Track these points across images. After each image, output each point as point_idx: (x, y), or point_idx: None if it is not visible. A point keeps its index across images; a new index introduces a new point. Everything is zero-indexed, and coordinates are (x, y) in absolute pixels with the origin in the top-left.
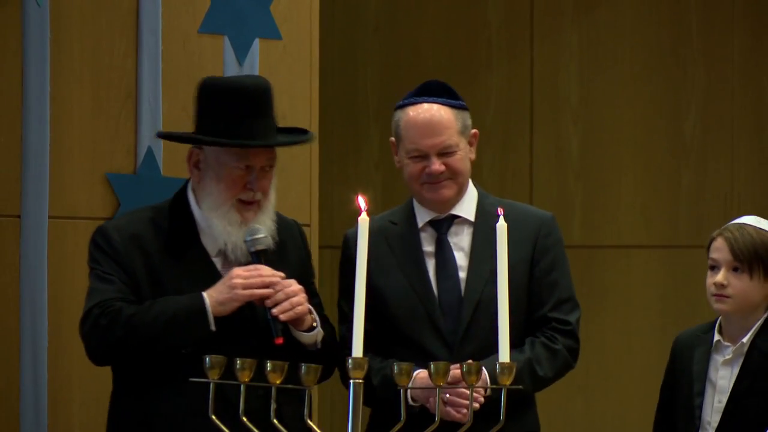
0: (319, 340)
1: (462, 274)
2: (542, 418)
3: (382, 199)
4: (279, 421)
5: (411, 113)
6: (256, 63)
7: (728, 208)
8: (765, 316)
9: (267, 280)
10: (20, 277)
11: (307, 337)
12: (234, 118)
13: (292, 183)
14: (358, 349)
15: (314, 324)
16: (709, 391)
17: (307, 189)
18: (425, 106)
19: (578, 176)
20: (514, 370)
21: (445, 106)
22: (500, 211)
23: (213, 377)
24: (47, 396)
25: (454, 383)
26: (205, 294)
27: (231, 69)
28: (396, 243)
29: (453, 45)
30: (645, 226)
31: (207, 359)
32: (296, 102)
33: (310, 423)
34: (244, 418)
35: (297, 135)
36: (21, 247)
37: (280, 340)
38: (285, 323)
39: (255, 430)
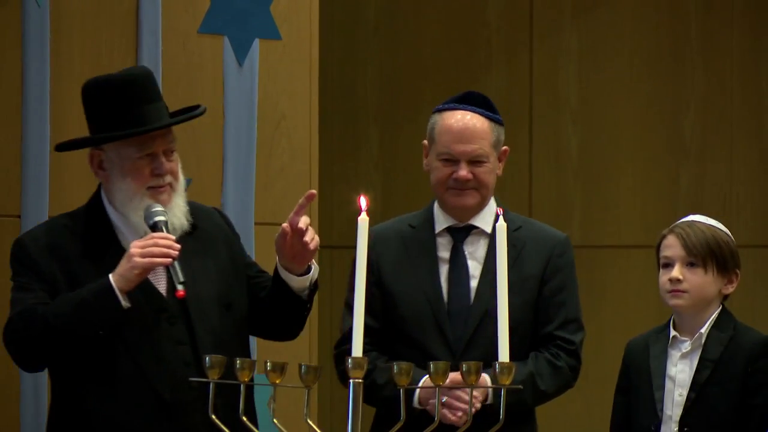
0: (313, 280)
1: (473, 283)
2: (541, 420)
3: (382, 199)
4: (214, 415)
5: (448, 118)
6: (255, 63)
7: (727, 208)
8: (719, 309)
9: (163, 245)
10: None
11: (298, 281)
12: (124, 109)
13: (293, 183)
14: (357, 349)
15: (311, 264)
16: (668, 386)
17: (306, 188)
18: (464, 113)
19: (577, 176)
20: (514, 370)
21: (483, 117)
22: (499, 210)
23: (213, 377)
24: (47, 396)
25: (454, 386)
26: (110, 275)
27: (231, 69)
28: (412, 246)
29: (453, 45)
30: (644, 226)
31: (207, 359)
32: (296, 102)
33: (310, 422)
34: (244, 418)
35: (189, 112)
36: None
37: (181, 293)
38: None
39: (254, 429)
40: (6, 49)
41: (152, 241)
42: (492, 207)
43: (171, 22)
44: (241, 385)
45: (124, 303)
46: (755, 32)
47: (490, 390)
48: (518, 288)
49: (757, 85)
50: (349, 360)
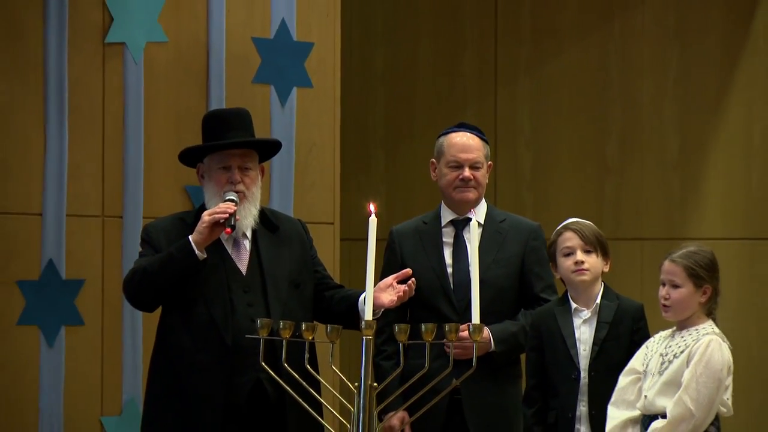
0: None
1: (470, 260)
2: None
3: (386, 205)
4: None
5: (454, 136)
6: (294, 105)
7: (640, 211)
8: (602, 285)
9: (223, 207)
10: (122, 264)
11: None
12: (215, 133)
13: (321, 193)
14: (369, 313)
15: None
16: (576, 344)
17: (331, 197)
18: (465, 133)
19: (529, 188)
20: (484, 329)
21: (477, 136)
22: (472, 213)
23: (263, 335)
24: (142, 358)
25: (464, 337)
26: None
27: (276, 110)
28: (424, 236)
29: (438, 90)
30: None
31: (258, 321)
32: (323, 133)
33: (334, 368)
34: (285, 365)
35: (267, 142)
36: (122, 241)
37: (228, 231)
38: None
39: (296, 375)
40: (113, 93)
41: (217, 206)
42: (483, 205)
43: (232, 74)
44: (283, 341)
45: (199, 253)
46: (660, 82)
47: (492, 340)
48: (504, 263)
49: (660, 120)
50: (363, 322)
